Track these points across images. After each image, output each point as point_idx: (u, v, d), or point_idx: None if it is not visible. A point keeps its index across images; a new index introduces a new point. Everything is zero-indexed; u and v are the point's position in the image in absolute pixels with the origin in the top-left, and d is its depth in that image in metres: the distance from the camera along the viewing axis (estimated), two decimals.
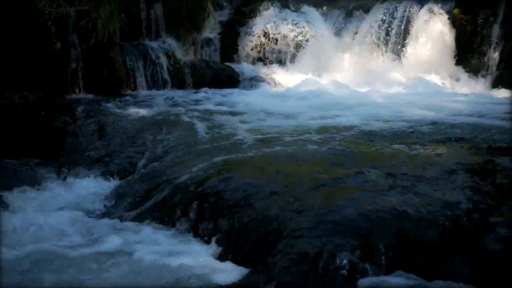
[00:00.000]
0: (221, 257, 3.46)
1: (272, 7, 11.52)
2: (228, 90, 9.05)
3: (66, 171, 5.25)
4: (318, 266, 3.03)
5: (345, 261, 3.03)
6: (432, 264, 3.13)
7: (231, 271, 3.26)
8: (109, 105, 7.38)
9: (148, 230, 3.93)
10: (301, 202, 3.55)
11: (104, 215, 4.33)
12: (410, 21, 10.54)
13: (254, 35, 11.04)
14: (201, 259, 3.42)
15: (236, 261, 3.39)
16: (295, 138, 5.12)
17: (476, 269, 3.11)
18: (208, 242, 3.64)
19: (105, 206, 4.49)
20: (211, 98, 8.34)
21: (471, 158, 4.30)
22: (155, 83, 9.42)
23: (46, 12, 7.87)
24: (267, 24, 11.12)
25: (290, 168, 4.12)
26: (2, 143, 5.63)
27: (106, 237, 3.78)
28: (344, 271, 3.01)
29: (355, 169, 3.94)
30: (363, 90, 8.90)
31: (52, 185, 4.92)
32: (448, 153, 4.40)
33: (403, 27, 10.57)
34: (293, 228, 3.32)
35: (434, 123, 5.94)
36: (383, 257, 3.10)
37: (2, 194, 4.63)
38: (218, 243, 3.58)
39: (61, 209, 4.39)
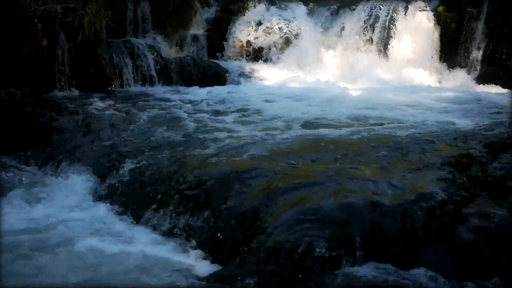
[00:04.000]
0: (201, 250, 3.53)
1: (259, 5, 11.57)
2: (217, 87, 9.09)
3: (50, 166, 5.29)
4: (296, 256, 3.11)
5: (321, 252, 3.10)
6: (406, 254, 3.22)
7: (211, 262, 3.34)
8: (95, 101, 7.39)
9: (129, 227, 4.01)
10: (278, 196, 3.63)
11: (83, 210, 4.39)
12: (396, 19, 10.63)
13: (241, 32, 11.09)
14: (180, 254, 3.49)
15: (214, 256, 3.46)
16: (275, 134, 5.20)
17: (449, 258, 3.21)
18: (187, 238, 3.70)
19: (86, 202, 4.55)
20: (197, 95, 8.38)
21: (448, 151, 4.40)
22: (142, 80, 9.44)
23: (32, 9, 7.86)
24: (254, 21, 11.17)
25: (268, 163, 4.20)
26: None
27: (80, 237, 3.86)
28: (320, 261, 3.08)
29: (333, 164, 4.03)
30: (348, 86, 8.97)
31: (37, 179, 4.96)
32: (426, 147, 4.48)
33: (388, 24, 10.66)
34: (270, 221, 3.40)
35: (415, 118, 6.03)
36: (358, 247, 3.18)
37: None
38: (196, 238, 3.65)
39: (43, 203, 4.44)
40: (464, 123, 5.77)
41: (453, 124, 5.76)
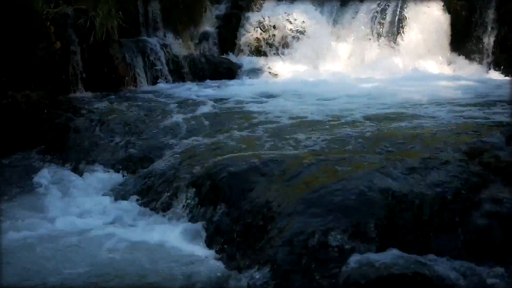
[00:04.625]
0: (219, 241, 3.61)
1: (268, 0, 11.62)
2: (229, 82, 9.19)
3: (69, 166, 5.40)
4: (310, 245, 3.18)
5: (336, 240, 3.17)
6: (421, 240, 3.27)
7: (229, 253, 3.42)
8: (110, 101, 7.50)
9: (151, 219, 4.11)
10: (294, 186, 3.69)
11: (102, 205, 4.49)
12: (405, 8, 10.64)
13: (251, 28, 11.15)
14: (197, 244, 3.58)
15: (231, 245, 3.53)
16: (289, 126, 5.28)
17: (463, 243, 3.26)
18: (204, 228, 3.78)
19: (104, 197, 4.66)
20: (210, 91, 8.46)
21: (460, 138, 4.43)
22: (154, 78, 9.53)
23: (45, 12, 7.96)
24: (264, 16, 11.23)
25: (284, 153, 4.27)
26: (7, 141, 5.79)
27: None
28: (335, 249, 3.15)
29: (347, 153, 4.08)
30: (360, 77, 9.01)
31: (56, 177, 5.07)
32: (438, 134, 4.52)
33: (398, 14, 10.68)
34: (285, 211, 3.46)
35: (428, 106, 6.07)
36: (373, 236, 3.24)
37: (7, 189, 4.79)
38: (215, 227, 3.73)
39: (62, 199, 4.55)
40: (476, 111, 5.79)
41: (465, 112, 5.78)
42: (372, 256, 3.09)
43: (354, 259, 3.07)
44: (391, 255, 3.10)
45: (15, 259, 3.57)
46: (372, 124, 4.99)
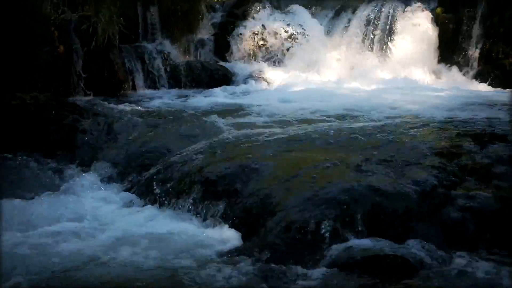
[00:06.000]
0: (222, 230, 4.00)
1: (263, 9, 11.99)
2: (225, 88, 9.56)
3: (76, 164, 5.74)
4: (304, 232, 3.59)
5: (327, 228, 3.58)
6: (402, 230, 3.68)
7: (231, 239, 3.81)
8: (111, 104, 7.81)
9: (155, 213, 4.47)
10: (290, 182, 4.11)
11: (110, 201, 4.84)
12: (395, 20, 11.06)
13: (246, 36, 11.49)
14: (206, 230, 3.97)
15: (236, 234, 3.93)
16: (283, 129, 5.69)
17: (439, 234, 3.68)
18: (211, 219, 4.17)
19: (112, 194, 5.00)
20: (205, 95, 8.85)
21: (440, 143, 4.85)
22: (152, 84, 9.86)
23: (52, 18, 8.29)
24: (259, 25, 11.57)
25: (280, 154, 4.67)
26: (16, 140, 6.11)
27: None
28: (326, 235, 3.56)
29: (337, 154, 4.49)
30: (350, 85, 9.40)
31: (64, 175, 5.41)
32: (421, 139, 4.92)
33: (388, 26, 11.09)
34: (283, 203, 3.87)
35: (411, 114, 6.49)
36: (360, 225, 3.65)
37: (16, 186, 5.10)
38: (219, 218, 4.12)
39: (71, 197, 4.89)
40: (458, 118, 6.20)
41: (447, 118, 6.20)
42: (359, 242, 3.53)
43: (342, 244, 3.50)
44: (375, 241, 3.52)
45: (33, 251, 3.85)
46: (358, 129, 5.39)
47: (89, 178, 5.28)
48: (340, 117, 6.28)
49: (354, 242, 3.52)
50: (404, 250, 3.41)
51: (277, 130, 5.67)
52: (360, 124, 5.71)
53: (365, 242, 3.50)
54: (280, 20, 11.73)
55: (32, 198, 4.83)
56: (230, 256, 3.57)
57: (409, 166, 4.24)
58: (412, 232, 3.66)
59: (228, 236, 3.87)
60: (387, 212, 3.74)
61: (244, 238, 3.85)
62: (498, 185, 4.01)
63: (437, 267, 3.32)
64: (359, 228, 3.63)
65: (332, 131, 5.27)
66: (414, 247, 3.47)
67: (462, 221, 3.72)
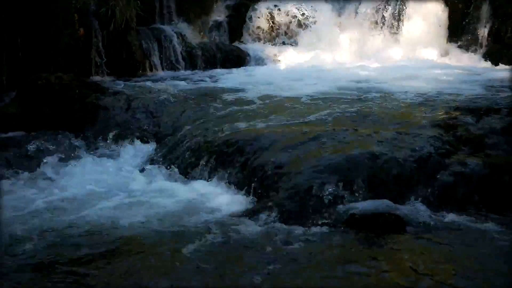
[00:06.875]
0: (235, 193, 4.39)
1: None
2: (239, 68, 9.88)
3: (101, 139, 6.14)
4: (310, 194, 3.95)
5: (330, 191, 3.95)
6: (399, 193, 4.04)
7: (242, 202, 4.19)
8: (130, 84, 8.18)
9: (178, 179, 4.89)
10: (296, 150, 4.48)
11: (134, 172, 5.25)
12: (406, 1, 11.24)
13: (260, 17, 11.71)
14: (220, 194, 4.36)
15: (247, 197, 4.32)
16: (293, 104, 6.03)
17: (433, 195, 4.04)
18: (227, 185, 4.55)
19: (136, 166, 5.42)
20: (221, 75, 9.16)
21: (440, 116, 5.18)
22: (169, 64, 10.16)
23: (73, 1, 8.63)
24: (272, 6, 11.78)
25: (290, 126, 5.03)
26: (43, 117, 6.52)
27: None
28: (328, 199, 3.92)
29: (340, 126, 4.85)
30: (361, 65, 9.65)
31: (91, 150, 5.84)
32: (421, 113, 5.25)
33: (399, 6, 11.28)
34: (290, 170, 4.23)
35: (418, 90, 6.78)
36: (361, 188, 4.02)
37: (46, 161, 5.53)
38: (232, 183, 4.50)
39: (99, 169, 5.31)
40: (461, 94, 6.49)
41: (451, 94, 6.49)
42: (358, 203, 3.89)
43: (344, 205, 3.88)
44: (374, 202, 3.89)
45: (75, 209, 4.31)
46: (364, 103, 5.73)
47: (112, 152, 5.68)
48: (349, 94, 6.60)
49: (354, 204, 3.89)
50: (398, 210, 3.77)
51: (288, 105, 6.00)
52: (365, 99, 6.04)
53: (364, 204, 3.87)
54: (293, 2, 11.91)
55: (66, 166, 5.32)
56: (240, 217, 3.96)
57: (408, 136, 4.58)
58: (408, 194, 4.02)
59: (239, 200, 4.26)
60: (385, 177, 4.10)
61: (254, 201, 4.24)
62: (489, 154, 4.37)
63: (427, 224, 3.70)
64: (359, 191, 4.00)
65: (340, 106, 5.61)
66: (408, 207, 3.84)
67: (453, 185, 4.08)
